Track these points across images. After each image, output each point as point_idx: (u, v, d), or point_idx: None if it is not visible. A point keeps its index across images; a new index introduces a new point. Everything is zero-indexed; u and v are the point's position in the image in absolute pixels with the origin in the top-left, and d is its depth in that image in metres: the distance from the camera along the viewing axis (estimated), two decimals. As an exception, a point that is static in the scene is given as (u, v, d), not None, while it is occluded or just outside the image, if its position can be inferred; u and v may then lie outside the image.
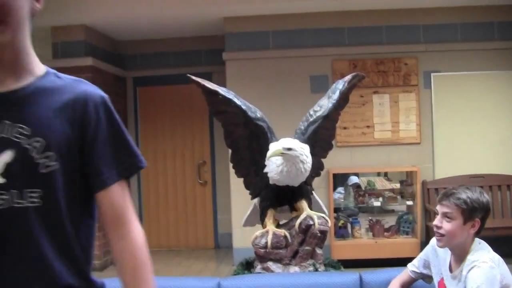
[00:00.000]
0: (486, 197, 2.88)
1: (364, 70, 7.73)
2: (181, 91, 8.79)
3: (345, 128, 7.83)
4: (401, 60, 7.87)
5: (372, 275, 3.42)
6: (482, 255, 2.79)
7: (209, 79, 8.54)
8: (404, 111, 7.86)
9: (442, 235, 2.85)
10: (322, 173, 7.43)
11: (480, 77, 7.91)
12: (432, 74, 7.90)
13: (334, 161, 7.68)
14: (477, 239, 2.91)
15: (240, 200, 7.56)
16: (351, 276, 3.42)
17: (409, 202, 7.63)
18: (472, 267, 2.74)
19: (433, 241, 3.07)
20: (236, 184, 7.56)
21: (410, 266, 3.20)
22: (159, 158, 9.35)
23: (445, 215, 2.84)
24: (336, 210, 7.79)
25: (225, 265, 7.96)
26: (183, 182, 9.36)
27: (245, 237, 7.39)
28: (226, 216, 8.74)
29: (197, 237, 9.37)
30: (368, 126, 7.86)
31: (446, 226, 2.83)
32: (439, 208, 2.89)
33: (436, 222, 2.88)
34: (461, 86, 7.91)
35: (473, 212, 2.81)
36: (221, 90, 3.65)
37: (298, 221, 3.75)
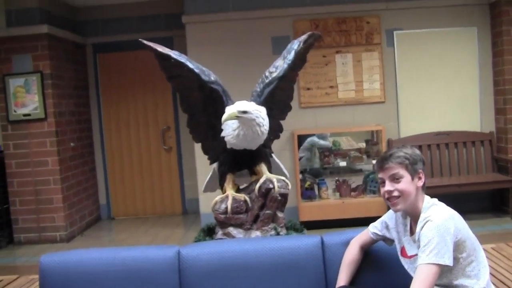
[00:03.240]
0: (417, 150, 2.93)
1: (326, 29, 7.66)
2: (142, 57, 8.65)
3: (308, 89, 7.77)
4: (363, 18, 7.79)
5: (333, 237, 3.38)
6: (434, 211, 2.77)
7: (170, 43, 8.51)
8: (367, 70, 7.82)
9: (397, 197, 2.81)
10: (287, 135, 7.54)
11: (443, 34, 7.88)
12: (394, 32, 7.85)
13: (299, 122, 7.65)
14: (427, 197, 2.88)
15: (206, 165, 7.47)
16: (312, 238, 3.38)
17: (375, 161, 7.62)
18: (425, 223, 2.72)
19: None
20: (201, 149, 7.50)
21: (372, 227, 3.17)
22: (122, 125, 9.24)
23: (393, 178, 2.82)
24: (302, 172, 7.76)
25: (193, 231, 7.90)
26: (147, 149, 9.27)
27: (211, 202, 7.37)
28: (192, 181, 8.69)
29: (164, 203, 9.32)
30: (331, 87, 7.80)
31: (399, 186, 2.80)
32: (383, 175, 2.86)
33: (387, 188, 2.84)
34: (424, 43, 7.88)
35: (415, 165, 2.83)
36: (173, 54, 3.55)
37: (258, 185, 3.69)
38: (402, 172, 2.81)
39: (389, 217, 3.09)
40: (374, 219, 3.26)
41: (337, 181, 7.75)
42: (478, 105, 7.93)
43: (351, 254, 3.16)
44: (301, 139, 7.79)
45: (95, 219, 9.05)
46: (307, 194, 7.63)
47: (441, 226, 2.67)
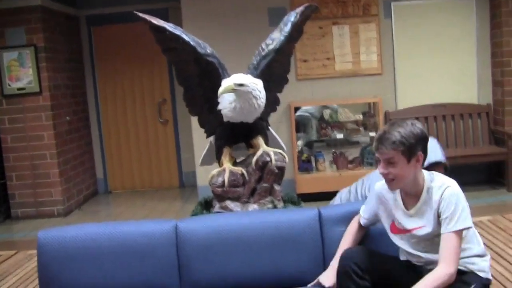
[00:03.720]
0: (418, 126, 2.78)
1: (322, 1, 7.59)
2: (137, 29, 8.53)
3: (305, 61, 7.72)
4: (360, -11, 7.73)
5: (330, 210, 3.40)
6: (443, 178, 2.76)
7: (165, 16, 8.45)
8: (364, 42, 7.77)
9: (392, 180, 2.78)
10: (284, 107, 7.50)
11: (440, 5, 7.81)
12: (392, 4, 7.78)
13: (295, 94, 7.62)
14: (425, 171, 2.86)
15: (202, 138, 7.45)
16: (310, 211, 3.37)
17: (372, 133, 7.59)
18: (444, 190, 2.70)
19: (378, 186, 3.02)
20: (197, 122, 7.47)
21: (362, 220, 3.15)
22: (118, 99, 9.19)
23: (387, 162, 2.76)
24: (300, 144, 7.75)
25: (190, 204, 7.90)
26: (144, 122, 9.24)
27: (209, 175, 7.36)
28: (189, 154, 8.67)
29: (161, 177, 9.32)
30: (328, 58, 7.75)
31: (393, 171, 2.75)
32: (379, 155, 2.79)
33: (381, 170, 2.79)
34: (422, 15, 7.82)
35: (412, 149, 2.73)
36: (169, 26, 3.50)
37: (255, 158, 3.68)
38: (397, 157, 2.73)
39: (372, 201, 3.08)
40: (371, 191, 3.25)
41: (334, 153, 7.74)
42: (475, 77, 7.90)
43: (353, 228, 3.15)
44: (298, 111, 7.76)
45: (92, 193, 9.05)
46: (304, 166, 7.62)
47: (459, 191, 2.71)
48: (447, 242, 2.65)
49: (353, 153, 7.79)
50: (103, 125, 9.23)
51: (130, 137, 9.27)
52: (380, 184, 2.98)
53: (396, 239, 2.95)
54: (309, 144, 7.95)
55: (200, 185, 7.79)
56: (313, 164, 7.71)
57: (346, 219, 3.25)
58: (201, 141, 7.50)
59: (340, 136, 7.69)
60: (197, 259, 3.24)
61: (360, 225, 3.14)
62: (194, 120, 7.47)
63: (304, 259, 3.26)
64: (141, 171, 9.33)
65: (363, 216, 3.12)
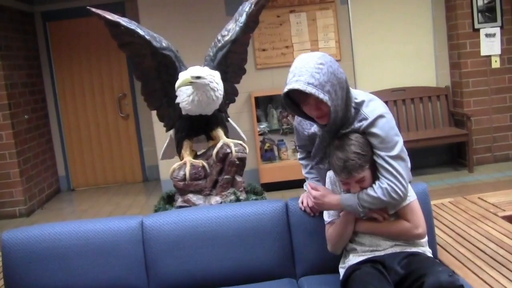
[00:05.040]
0: (357, 136, 2.75)
1: (279, -11, 7.58)
2: (94, 23, 8.42)
3: (264, 50, 7.71)
4: (316, -24, 7.73)
5: (297, 201, 3.37)
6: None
7: (122, 9, 8.35)
8: (322, 29, 7.79)
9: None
10: (244, 97, 7.48)
11: (396, -11, 7.88)
12: (347, -11, 7.82)
13: (256, 84, 7.61)
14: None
15: (164, 132, 7.38)
16: (277, 203, 3.35)
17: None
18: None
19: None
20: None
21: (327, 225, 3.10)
22: (77, 95, 9.09)
23: (358, 181, 2.76)
24: (262, 134, 7.74)
25: (154, 198, 7.83)
26: (104, 117, 9.16)
27: (170, 168, 7.33)
28: (151, 148, 8.64)
29: (125, 172, 9.25)
30: (287, 47, 7.76)
31: (363, 184, 2.76)
32: (350, 181, 2.77)
33: (353, 190, 2.79)
34: (378, 0, 7.87)
35: (368, 158, 2.72)
36: (123, 21, 3.45)
37: (215, 150, 3.66)
38: (364, 174, 2.74)
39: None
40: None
41: (297, 141, 7.74)
42: (433, 60, 7.99)
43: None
44: (259, 100, 7.73)
45: (55, 191, 8.94)
46: (267, 156, 7.63)
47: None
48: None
49: (315, 140, 7.80)
50: (63, 122, 9.10)
51: (91, 133, 9.17)
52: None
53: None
54: (271, 133, 7.94)
55: (163, 178, 7.75)
56: (276, 153, 7.72)
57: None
58: (162, 135, 7.42)
59: (301, 123, 7.68)
60: (165, 254, 3.21)
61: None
62: (155, 113, 7.46)
63: (272, 251, 3.25)
64: (103, 167, 9.24)
65: (326, 220, 3.08)
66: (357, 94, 2.83)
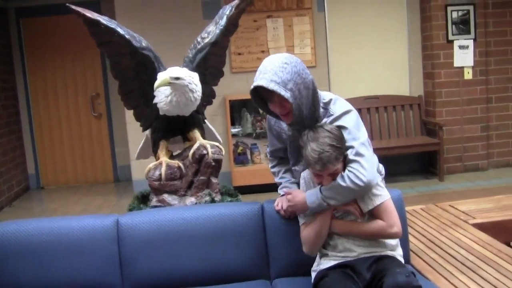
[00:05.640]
0: (329, 127, 2.79)
1: (257, -7, 7.61)
2: (69, 21, 8.35)
3: (239, 54, 7.74)
4: (293, -18, 7.78)
5: (272, 204, 3.40)
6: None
7: (98, 8, 8.32)
8: (298, 35, 7.83)
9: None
10: (219, 100, 7.50)
11: (373, -1, 7.97)
12: (323, -3, 7.88)
13: (230, 87, 7.62)
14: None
15: (137, 132, 7.37)
16: (253, 205, 3.37)
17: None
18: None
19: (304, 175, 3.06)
20: (132, 116, 7.32)
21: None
22: (50, 93, 9.02)
23: (330, 174, 2.79)
24: (234, 136, 7.74)
25: (126, 199, 7.81)
26: (77, 116, 9.10)
27: (144, 168, 7.29)
28: (123, 148, 8.60)
29: (96, 171, 9.20)
30: (263, 51, 7.79)
31: (335, 176, 2.79)
32: (323, 173, 2.79)
33: (325, 182, 2.82)
34: (354, 8, 7.96)
35: (342, 151, 2.77)
36: (103, 20, 3.45)
37: (192, 151, 3.67)
38: (339, 165, 2.78)
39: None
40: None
41: (270, 145, 7.77)
42: (407, 69, 8.09)
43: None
44: (233, 104, 7.75)
45: (24, 189, 8.84)
46: (240, 159, 7.65)
47: None
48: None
49: (288, 145, 7.84)
50: (34, 120, 9.02)
51: (63, 131, 9.10)
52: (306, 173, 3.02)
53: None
54: (244, 137, 7.96)
55: (135, 179, 7.73)
56: (249, 156, 7.75)
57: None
58: (135, 135, 7.44)
59: (275, 128, 7.72)
60: (140, 253, 3.21)
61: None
62: (129, 114, 7.41)
63: (247, 253, 3.26)
64: (74, 166, 9.18)
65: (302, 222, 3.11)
66: (325, 95, 2.93)
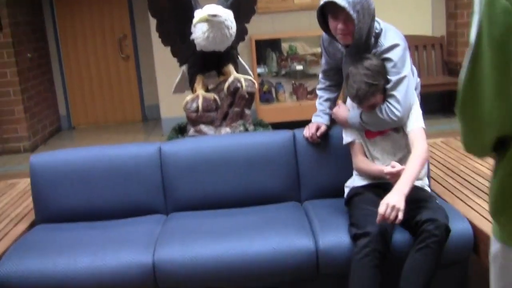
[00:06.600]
0: (374, 67, 3.00)
1: None
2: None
3: (265, -6, 7.87)
4: None
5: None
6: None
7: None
8: (323, -25, 7.89)
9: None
10: (245, 40, 7.63)
11: None
12: None
13: (256, 27, 7.75)
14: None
15: (165, 72, 7.63)
16: (285, 133, 3.64)
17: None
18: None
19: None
20: (160, 56, 7.61)
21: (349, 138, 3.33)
22: (78, 35, 9.22)
23: (371, 107, 3.06)
24: (260, 75, 7.92)
25: (155, 136, 8.12)
26: (105, 58, 9.32)
27: (172, 107, 7.55)
28: (151, 88, 8.81)
29: (124, 111, 9.46)
30: (288, -8, 7.91)
31: (376, 106, 3.06)
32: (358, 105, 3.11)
33: (365, 110, 3.11)
34: None
35: (380, 86, 3.01)
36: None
37: (227, 84, 3.90)
38: (376, 99, 3.03)
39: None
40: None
41: (294, 84, 7.98)
42: (430, 9, 8.15)
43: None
44: (258, 44, 7.91)
45: (56, 129, 9.14)
46: (265, 97, 7.86)
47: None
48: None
49: (312, 84, 8.03)
50: (64, 62, 9.25)
51: (92, 72, 9.34)
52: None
53: (370, 144, 3.23)
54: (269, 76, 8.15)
55: (163, 117, 7.98)
56: (274, 95, 7.96)
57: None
58: (164, 75, 7.70)
59: (299, 67, 7.92)
60: (180, 178, 3.48)
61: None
62: (157, 55, 7.70)
63: (279, 177, 3.53)
64: (104, 106, 9.45)
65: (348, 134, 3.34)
66: (377, 25, 3.13)
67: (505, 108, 1.43)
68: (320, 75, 3.61)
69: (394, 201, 2.75)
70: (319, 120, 3.51)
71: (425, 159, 3.06)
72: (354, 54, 3.08)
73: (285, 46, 8.07)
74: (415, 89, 3.30)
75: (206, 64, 3.96)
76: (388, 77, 3.02)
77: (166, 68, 7.57)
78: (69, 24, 9.16)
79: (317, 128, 3.48)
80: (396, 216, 2.73)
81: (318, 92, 3.61)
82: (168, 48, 4.19)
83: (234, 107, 3.95)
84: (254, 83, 3.99)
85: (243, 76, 3.95)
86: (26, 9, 8.30)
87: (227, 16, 3.64)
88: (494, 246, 1.68)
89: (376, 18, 3.13)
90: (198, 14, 3.60)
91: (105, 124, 9.44)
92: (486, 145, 1.54)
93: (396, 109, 3.00)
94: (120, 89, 9.41)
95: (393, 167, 2.95)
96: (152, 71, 8.18)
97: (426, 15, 8.15)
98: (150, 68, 8.36)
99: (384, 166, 3.05)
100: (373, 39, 3.08)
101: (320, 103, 3.56)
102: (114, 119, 9.47)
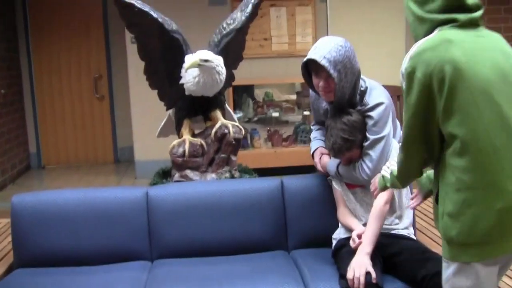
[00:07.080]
0: (353, 123, 3.05)
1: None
2: (75, 1, 8.51)
3: (243, 40, 7.93)
4: (297, -27, 7.99)
5: (292, 180, 3.65)
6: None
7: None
8: (300, 24, 8.05)
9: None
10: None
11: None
12: (327, -12, 8.07)
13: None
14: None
15: (141, 114, 7.60)
16: (273, 181, 3.63)
17: (306, 112, 7.92)
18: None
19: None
20: (136, 97, 7.59)
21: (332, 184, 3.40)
22: (53, 73, 9.15)
23: (349, 161, 3.15)
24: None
25: (127, 178, 8.05)
26: (79, 97, 9.25)
27: (147, 149, 7.50)
28: (125, 130, 8.75)
29: (96, 152, 9.37)
30: (265, 39, 8.00)
31: (352, 160, 3.13)
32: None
33: (343, 162, 3.18)
34: (356, 1, 8.13)
35: (356, 142, 3.08)
36: (136, 3, 3.65)
37: (214, 129, 3.89)
38: (354, 153, 3.11)
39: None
40: (305, 168, 3.60)
41: (269, 130, 8.01)
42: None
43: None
44: (235, 89, 7.93)
45: (26, 167, 8.98)
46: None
47: None
48: None
49: (287, 131, 8.08)
50: (37, 99, 9.15)
51: (65, 111, 9.24)
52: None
53: (352, 195, 3.26)
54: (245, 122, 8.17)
55: (137, 159, 7.92)
56: (249, 141, 7.97)
57: (306, 189, 3.58)
58: (139, 116, 7.67)
59: (275, 114, 7.97)
60: (167, 223, 3.43)
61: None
62: (133, 95, 7.66)
63: (267, 225, 3.50)
64: (76, 146, 9.34)
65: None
66: (363, 83, 3.16)
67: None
68: (312, 127, 3.69)
69: (357, 262, 2.82)
70: (321, 144, 3.52)
71: (384, 212, 3.05)
72: (337, 110, 3.12)
73: (260, 92, 8.12)
74: (399, 142, 3.31)
75: (194, 108, 3.96)
76: (367, 134, 3.07)
77: (142, 109, 7.56)
78: (45, 60, 9.09)
79: (320, 156, 3.48)
80: (369, 274, 2.75)
81: (312, 127, 3.67)
82: (144, 89, 4.23)
83: (220, 153, 3.94)
84: (241, 129, 3.99)
85: (230, 122, 3.95)
86: (2, 44, 8.22)
87: (218, 62, 3.66)
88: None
89: (362, 76, 3.17)
90: (189, 58, 3.61)
91: (77, 164, 9.31)
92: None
93: (369, 168, 3.05)
94: (93, 129, 9.32)
95: (353, 239, 2.98)
96: (127, 112, 8.15)
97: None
98: (125, 109, 8.32)
99: (358, 223, 3.13)
100: (358, 97, 3.12)
101: (315, 131, 3.61)
102: (85, 160, 9.35)
